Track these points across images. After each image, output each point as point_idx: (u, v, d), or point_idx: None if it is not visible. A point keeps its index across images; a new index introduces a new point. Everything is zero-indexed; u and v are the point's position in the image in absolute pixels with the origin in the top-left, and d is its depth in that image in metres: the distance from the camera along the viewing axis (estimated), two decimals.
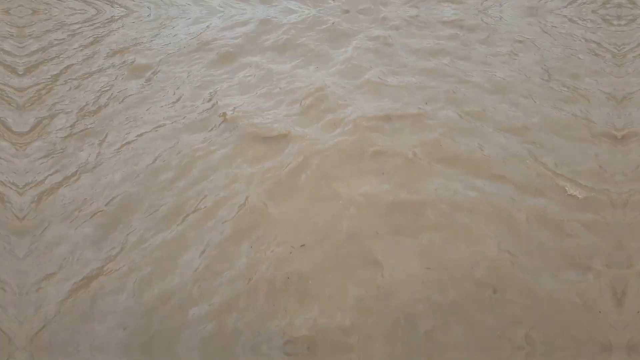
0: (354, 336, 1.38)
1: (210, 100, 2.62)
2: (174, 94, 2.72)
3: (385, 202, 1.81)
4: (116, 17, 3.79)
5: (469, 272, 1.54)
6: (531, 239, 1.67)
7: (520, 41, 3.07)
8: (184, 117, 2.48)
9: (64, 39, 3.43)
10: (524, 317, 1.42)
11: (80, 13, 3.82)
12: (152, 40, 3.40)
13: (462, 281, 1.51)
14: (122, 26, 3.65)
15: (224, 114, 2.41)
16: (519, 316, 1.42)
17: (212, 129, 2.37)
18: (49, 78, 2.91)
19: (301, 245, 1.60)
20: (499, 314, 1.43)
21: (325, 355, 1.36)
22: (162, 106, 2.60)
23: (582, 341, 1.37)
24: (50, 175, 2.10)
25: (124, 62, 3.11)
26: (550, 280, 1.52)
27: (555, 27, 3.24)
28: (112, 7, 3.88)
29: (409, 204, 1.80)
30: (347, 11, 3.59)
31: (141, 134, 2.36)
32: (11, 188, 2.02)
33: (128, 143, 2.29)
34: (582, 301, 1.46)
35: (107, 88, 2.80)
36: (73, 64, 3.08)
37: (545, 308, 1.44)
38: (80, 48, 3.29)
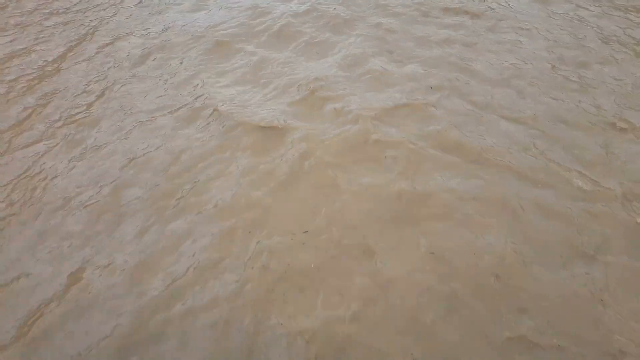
0: (356, 327, 1.39)
1: (203, 87, 2.62)
2: (167, 82, 2.73)
3: (388, 191, 1.83)
4: (106, 5, 3.78)
5: (473, 261, 1.56)
6: (536, 229, 1.69)
7: (527, 29, 3.07)
8: (178, 106, 2.49)
9: (55, 25, 3.42)
10: (528, 307, 1.44)
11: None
12: (145, 28, 3.40)
13: (465, 271, 1.53)
14: (115, 13, 3.64)
15: (218, 104, 2.42)
16: (524, 305, 1.44)
17: (207, 118, 2.38)
18: (40, 66, 2.91)
19: (304, 232, 1.61)
20: (503, 304, 1.45)
21: (327, 348, 1.37)
22: (156, 95, 2.61)
23: (587, 331, 1.39)
24: (43, 164, 2.11)
25: (116, 49, 3.11)
26: (556, 271, 1.55)
27: (566, 14, 3.24)
28: None
29: (412, 193, 1.82)
30: None
31: (135, 124, 2.37)
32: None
33: (122, 132, 2.30)
34: (588, 292, 1.48)
35: (101, 78, 2.80)
36: (64, 51, 3.07)
37: (550, 298, 1.46)
38: (72, 35, 3.29)
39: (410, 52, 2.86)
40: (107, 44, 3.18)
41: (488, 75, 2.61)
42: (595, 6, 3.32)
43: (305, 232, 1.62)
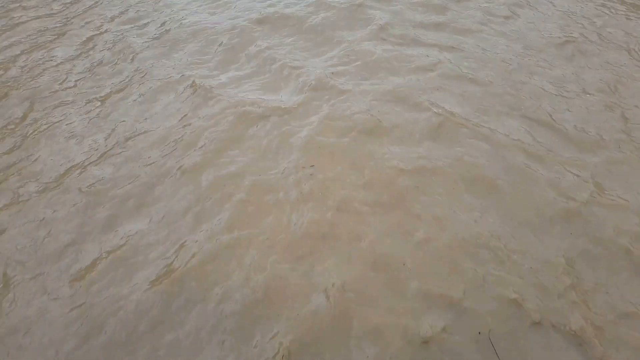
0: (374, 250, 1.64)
1: (199, 70, 2.95)
2: (173, 71, 3.05)
3: (392, 166, 2.03)
4: None
5: (457, 229, 1.76)
6: (516, 186, 1.93)
7: (518, 9, 3.44)
8: (186, 95, 2.74)
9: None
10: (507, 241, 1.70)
11: None
12: (154, 11, 3.83)
13: (453, 238, 1.73)
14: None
15: (215, 92, 2.66)
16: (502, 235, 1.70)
17: (211, 105, 2.61)
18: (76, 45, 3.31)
19: (311, 166, 1.90)
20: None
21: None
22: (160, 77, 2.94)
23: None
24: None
25: (132, 26, 3.51)
26: (538, 226, 1.78)
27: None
28: None
29: (406, 159, 2.06)
30: None
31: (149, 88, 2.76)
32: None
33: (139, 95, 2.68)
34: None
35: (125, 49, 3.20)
36: (71, 27, 3.48)
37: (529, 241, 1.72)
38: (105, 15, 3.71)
39: (410, 40, 3.15)
40: (122, 24, 3.61)
41: (483, 54, 2.94)
42: None
43: (312, 166, 1.92)
